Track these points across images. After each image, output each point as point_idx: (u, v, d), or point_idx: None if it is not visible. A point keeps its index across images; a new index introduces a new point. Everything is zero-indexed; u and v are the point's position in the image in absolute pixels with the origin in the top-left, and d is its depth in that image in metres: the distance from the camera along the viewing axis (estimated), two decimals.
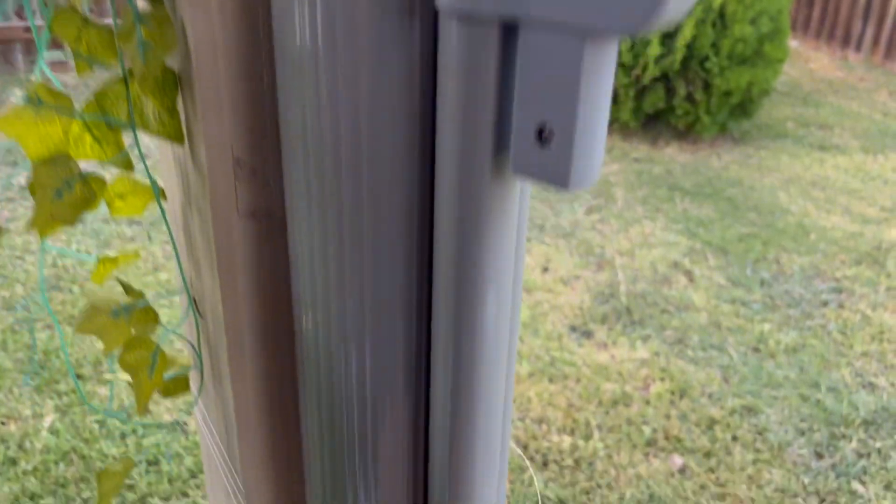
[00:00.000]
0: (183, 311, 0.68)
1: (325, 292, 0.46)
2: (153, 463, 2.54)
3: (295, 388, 0.56)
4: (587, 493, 2.50)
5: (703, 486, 2.55)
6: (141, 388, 0.51)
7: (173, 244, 0.58)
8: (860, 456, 2.72)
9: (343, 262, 0.44)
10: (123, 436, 2.64)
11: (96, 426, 2.67)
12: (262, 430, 0.57)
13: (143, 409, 0.53)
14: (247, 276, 0.50)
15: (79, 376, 2.94)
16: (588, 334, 3.37)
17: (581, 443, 2.73)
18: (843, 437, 2.80)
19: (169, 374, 0.59)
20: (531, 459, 2.65)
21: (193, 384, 0.71)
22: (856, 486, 2.57)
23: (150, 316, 0.51)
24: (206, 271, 0.56)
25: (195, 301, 0.59)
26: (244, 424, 0.57)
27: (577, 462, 2.64)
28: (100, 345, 3.14)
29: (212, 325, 0.58)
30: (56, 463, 2.50)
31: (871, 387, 3.08)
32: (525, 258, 3.63)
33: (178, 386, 0.59)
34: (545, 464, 2.62)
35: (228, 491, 0.69)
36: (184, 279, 0.59)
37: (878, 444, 2.77)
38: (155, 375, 0.52)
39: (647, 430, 2.80)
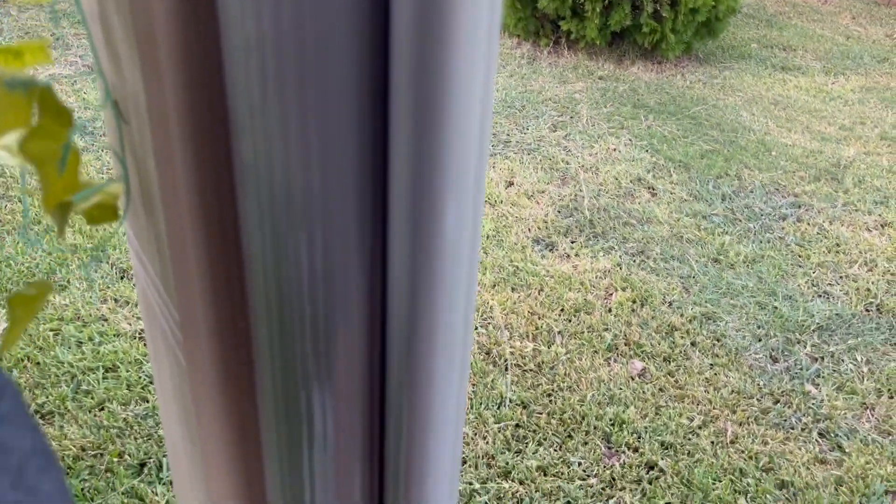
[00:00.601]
0: (105, 122, 0.61)
1: (264, 108, 0.40)
2: (112, 370, 2.49)
3: (235, 207, 0.50)
4: (549, 395, 2.53)
5: (662, 389, 2.60)
6: (49, 186, 0.45)
7: (89, 36, 0.51)
8: (814, 360, 2.79)
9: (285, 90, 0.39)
10: (80, 343, 2.57)
11: (51, 334, 2.59)
12: (198, 251, 0.51)
13: (58, 217, 0.47)
14: (173, 67, 0.44)
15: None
16: (551, 246, 3.37)
17: (543, 348, 2.75)
18: (798, 342, 2.88)
19: (94, 198, 0.53)
20: (493, 364, 2.66)
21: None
22: (809, 387, 2.65)
23: (57, 106, 0.44)
24: (127, 67, 0.49)
25: (117, 104, 0.52)
26: (177, 244, 0.51)
27: (539, 366, 2.66)
28: (53, 254, 3.01)
29: (137, 133, 0.52)
30: (10, 370, 2.43)
31: (827, 295, 3.15)
32: (489, 173, 3.56)
33: (104, 213, 0.53)
34: (507, 368, 2.64)
35: (165, 329, 0.64)
36: (103, 78, 0.52)
37: (831, 349, 2.84)
38: (67, 173, 0.45)
39: (608, 336, 2.83)
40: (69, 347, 2.54)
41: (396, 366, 0.51)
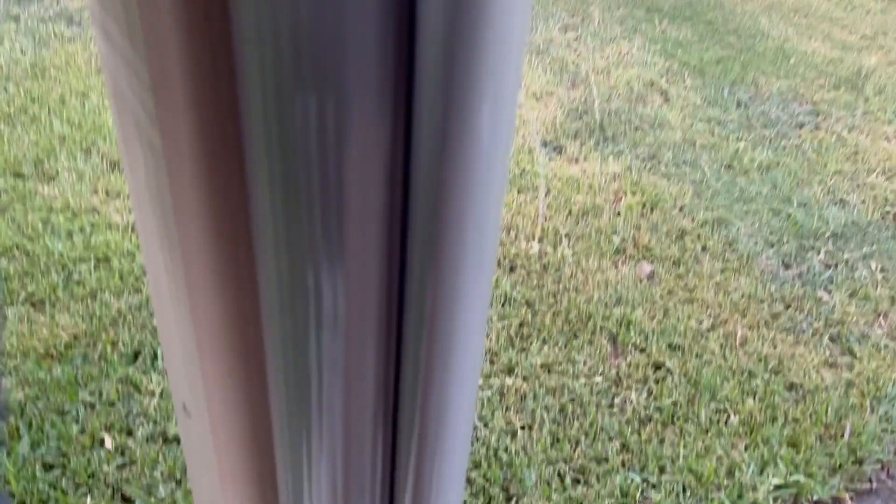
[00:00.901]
0: None
1: None
2: (104, 260, 2.40)
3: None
4: (554, 295, 2.46)
5: (671, 292, 2.53)
6: None
7: None
8: (827, 267, 2.72)
9: None
10: (70, 234, 2.48)
11: (40, 223, 2.50)
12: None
13: None
14: None
15: (18, 175, 2.74)
16: (560, 149, 3.25)
17: (549, 250, 2.66)
18: (812, 248, 2.79)
19: None
20: (497, 264, 2.58)
21: None
22: (821, 293, 2.58)
23: None
24: None
25: None
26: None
27: (544, 267, 2.58)
28: (42, 138, 2.88)
29: None
30: None
31: (843, 203, 3.05)
32: None
33: None
34: (512, 268, 2.56)
35: (136, 110, 0.53)
36: None
37: (845, 256, 2.76)
38: None
39: (616, 239, 2.74)
40: (59, 237, 2.45)
41: (419, 256, 0.42)
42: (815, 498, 1.88)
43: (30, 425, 1.84)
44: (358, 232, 0.44)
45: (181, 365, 0.69)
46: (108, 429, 1.86)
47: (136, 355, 2.09)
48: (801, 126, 3.54)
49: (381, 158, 0.41)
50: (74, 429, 1.85)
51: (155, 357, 2.09)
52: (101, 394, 1.95)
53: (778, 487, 1.87)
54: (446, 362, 0.45)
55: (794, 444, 2.00)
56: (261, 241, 0.46)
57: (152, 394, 1.97)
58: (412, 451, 0.48)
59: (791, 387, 2.19)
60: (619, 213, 2.89)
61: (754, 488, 1.86)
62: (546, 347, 2.25)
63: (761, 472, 1.91)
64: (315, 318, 0.44)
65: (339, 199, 0.41)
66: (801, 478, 1.89)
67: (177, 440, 1.84)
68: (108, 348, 2.09)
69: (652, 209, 2.93)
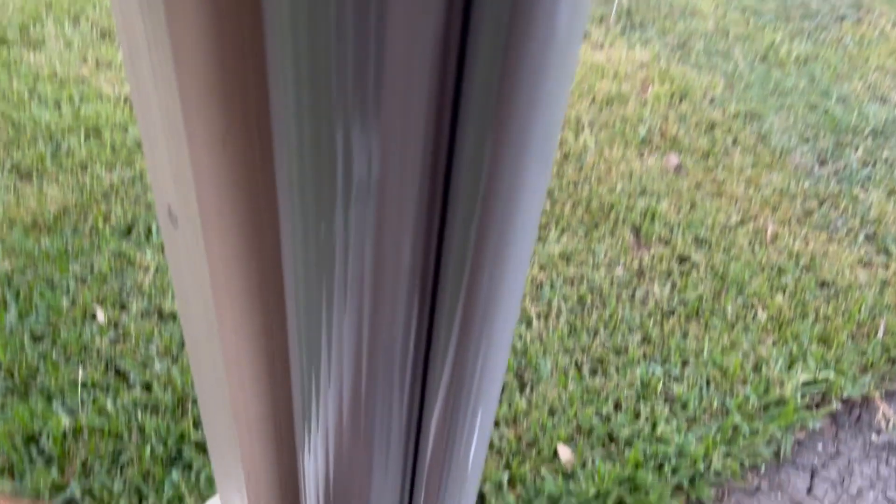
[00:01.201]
0: None
1: None
2: (94, 132, 2.25)
3: None
4: (574, 184, 2.31)
5: (698, 185, 2.38)
6: None
7: None
8: (865, 164, 2.55)
9: None
10: (58, 103, 2.32)
11: (26, 92, 2.33)
12: None
13: None
14: None
15: (2, 41, 2.55)
16: (584, 34, 3.03)
17: (570, 138, 2.50)
18: (849, 145, 2.62)
19: None
20: None
21: None
22: (857, 191, 2.43)
23: None
24: None
25: None
26: None
27: (565, 156, 2.42)
28: (28, 3, 2.68)
29: None
30: None
31: (883, 100, 2.86)
32: None
33: None
34: None
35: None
36: None
37: (885, 154, 2.60)
38: None
39: (642, 129, 2.57)
40: (46, 107, 2.29)
41: (476, 118, 0.33)
42: (844, 395, 1.78)
43: (17, 295, 1.73)
44: (400, 83, 0.33)
45: (165, 160, 0.56)
46: (101, 302, 1.75)
47: (129, 229, 1.96)
48: (842, 19, 3.30)
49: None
50: (65, 301, 1.74)
51: (150, 232, 1.96)
52: (92, 267, 1.84)
53: (806, 384, 1.78)
54: (503, 236, 0.37)
55: (824, 341, 1.89)
56: (277, 100, 0.34)
57: (147, 269, 1.85)
58: (452, 335, 0.41)
59: (823, 284, 2.07)
60: (645, 103, 2.71)
61: (782, 384, 1.77)
62: (565, 237, 2.12)
63: (789, 368, 1.81)
64: (343, 186, 0.36)
65: (378, 40, 0.30)
66: (831, 375, 1.79)
67: (173, 317, 1.74)
68: (100, 221, 1.96)
69: (681, 100, 2.74)
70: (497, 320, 0.41)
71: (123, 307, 1.75)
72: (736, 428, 1.66)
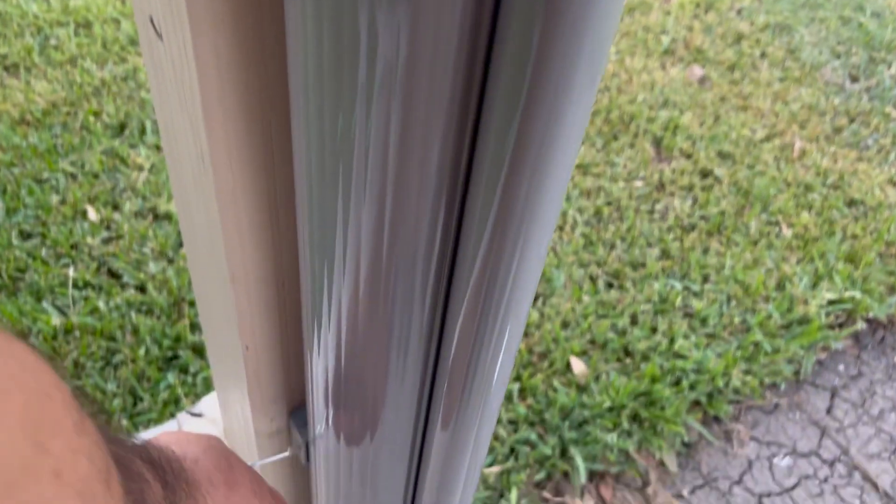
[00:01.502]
0: None
1: None
2: (84, 26, 2.12)
3: None
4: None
5: (723, 98, 2.26)
6: None
7: None
8: None
9: None
10: None
11: None
12: None
13: None
14: None
15: None
16: None
17: None
18: (883, 62, 2.48)
19: None
20: None
21: None
22: (890, 109, 2.31)
23: None
24: None
25: None
26: None
27: None
28: None
29: None
30: None
31: None
32: None
33: None
34: None
35: None
36: None
37: None
38: None
39: (665, 39, 2.43)
40: None
41: None
42: (870, 315, 1.71)
43: (4, 191, 1.64)
44: None
45: None
46: (92, 201, 1.66)
47: (122, 127, 1.85)
48: None
49: None
50: (54, 198, 1.65)
51: (143, 131, 1.85)
52: (83, 165, 1.74)
53: (831, 303, 1.70)
54: (549, 132, 0.31)
55: (851, 260, 1.81)
56: None
57: (140, 168, 1.75)
58: (483, 242, 0.36)
59: (851, 203, 1.97)
60: (669, 12, 2.55)
61: (805, 302, 1.69)
62: (583, 148, 2.01)
63: (814, 287, 1.73)
64: (366, 73, 0.31)
65: None
66: (857, 294, 1.71)
67: (168, 218, 1.65)
68: (91, 118, 1.85)
69: (706, 10, 2.59)
70: (534, 231, 0.35)
71: (116, 207, 1.66)
72: (757, 345, 1.59)
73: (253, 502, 0.46)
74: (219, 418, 0.98)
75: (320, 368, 0.51)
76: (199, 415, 0.98)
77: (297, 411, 0.66)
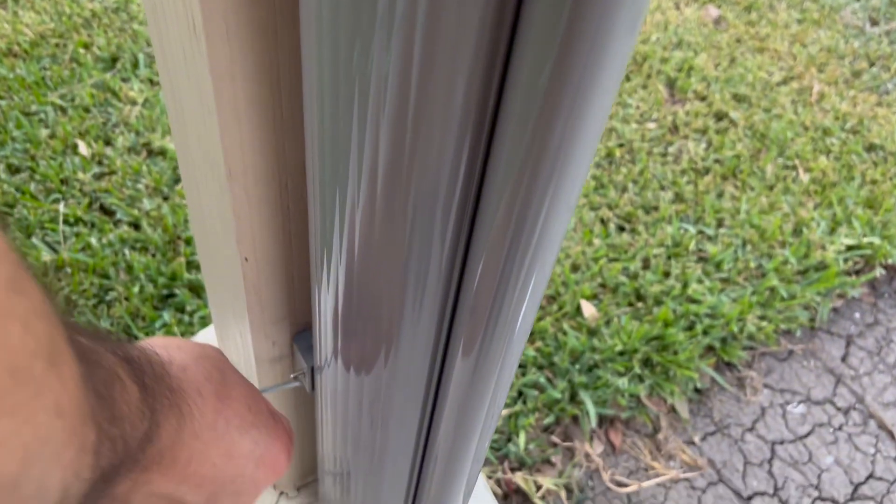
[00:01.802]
0: None
1: None
2: None
3: None
4: None
5: (739, 40, 2.17)
6: None
7: None
8: None
9: None
10: None
11: None
12: None
13: None
14: None
15: None
16: None
17: None
18: None
19: None
20: None
21: None
22: None
23: None
24: None
25: None
26: None
27: None
28: None
29: None
30: None
31: None
32: None
33: None
34: None
35: None
36: None
37: None
38: None
39: None
40: None
41: None
42: (889, 262, 1.66)
43: None
44: None
45: None
46: (83, 135, 1.59)
47: (113, 60, 1.77)
48: None
49: None
50: (43, 132, 1.57)
51: (136, 64, 1.77)
52: (73, 98, 1.66)
53: (850, 248, 1.65)
54: (588, 68, 0.27)
55: (871, 205, 1.75)
56: None
57: (134, 102, 1.68)
58: (508, 183, 0.33)
59: (871, 147, 1.91)
60: None
61: (823, 248, 1.63)
62: None
63: (832, 232, 1.67)
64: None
65: None
66: (877, 240, 1.66)
67: (162, 154, 1.58)
68: (81, 51, 1.77)
69: None
70: (568, 175, 0.32)
71: (108, 142, 1.59)
72: (772, 291, 1.54)
73: (247, 418, 0.41)
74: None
75: (329, 288, 0.45)
76: None
77: (301, 334, 0.61)
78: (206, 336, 0.96)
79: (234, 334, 0.67)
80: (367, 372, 0.49)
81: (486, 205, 0.35)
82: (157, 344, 0.37)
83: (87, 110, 1.64)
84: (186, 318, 1.30)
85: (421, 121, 0.30)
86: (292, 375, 0.60)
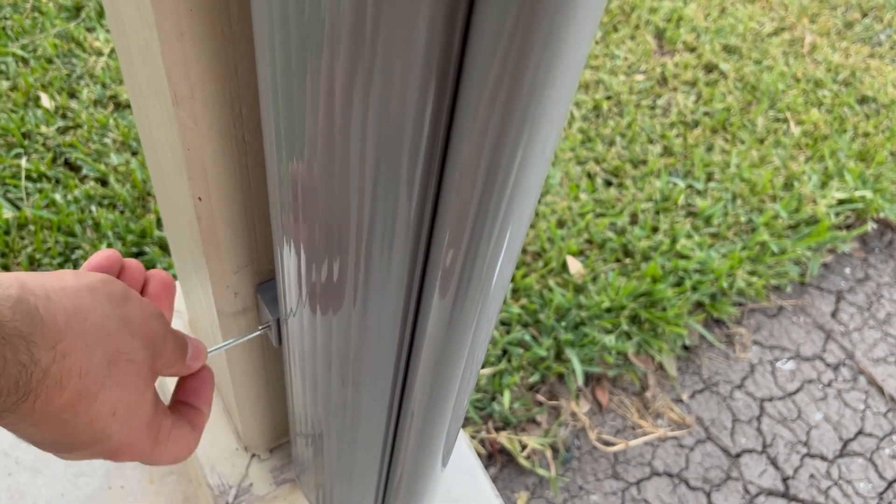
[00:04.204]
0: None
1: None
2: None
3: None
4: None
5: None
6: None
7: None
8: None
9: None
10: None
11: None
12: None
13: None
14: None
15: None
16: None
17: None
18: None
19: None
20: None
21: None
22: None
23: None
24: None
25: None
26: None
27: None
28: None
29: None
30: None
31: None
32: None
33: None
34: None
35: None
36: None
37: None
38: None
39: None
40: None
41: None
42: (880, 216, 1.62)
43: None
44: None
45: None
46: (45, 87, 1.51)
47: (77, 9, 1.69)
48: None
49: None
50: (4, 84, 1.50)
51: (102, 13, 1.69)
52: (35, 49, 1.58)
53: (841, 202, 1.61)
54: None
55: (863, 158, 1.71)
56: None
57: (99, 53, 1.60)
58: (476, 127, 0.29)
59: (863, 100, 1.86)
60: None
61: (814, 201, 1.60)
62: None
63: (823, 186, 1.64)
64: None
65: None
66: (868, 193, 1.62)
67: (129, 107, 1.51)
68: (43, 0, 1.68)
69: None
70: (542, 123, 0.29)
71: (73, 94, 1.52)
72: (763, 246, 1.50)
73: (111, 378, 0.34)
74: (183, 310, 0.89)
75: (291, 231, 0.40)
76: None
77: (265, 284, 0.56)
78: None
79: (195, 288, 0.62)
80: (336, 319, 0.44)
81: (456, 148, 0.30)
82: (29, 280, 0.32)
83: (50, 61, 1.56)
84: None
85: (382, 49, 0.25)
86: (259, 328, 0.55)
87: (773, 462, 1.30)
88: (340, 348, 0.47)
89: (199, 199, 0.46)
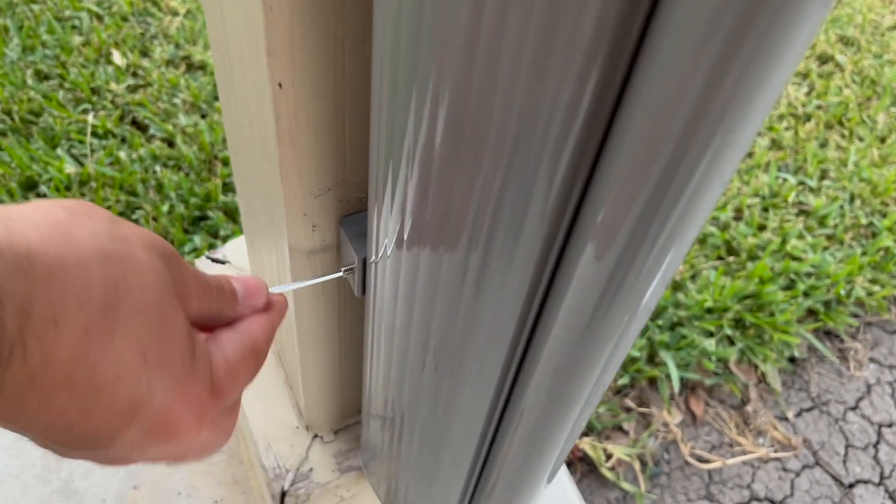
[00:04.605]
0: None
1: None
2: None
3: None
4: None
5: None
6: None
7: None
8: None
9: None
10: None
11: None
12: None
13: None
14: None
15: None
16: None
17: None
18: None
19: None
20: None
21: None
22: None
23: None
24: None
25: None
26: None
27: None
28: None
29: None
30: None
31: None
32: None
33: None
34: None
35: None
36: None
37: None
38: None
39: None
40: None
41: None
42: None
43: (20, 27, 1.44)
44: None
45: None
46: (118, 45, 1.45)
47: None
48: None
49: None
50: (76, 39, 1.44)
51: None
52: (110, 6, 1.53)
53: None
54: None
55: None
56: None
57: (175, 13, 1.53)
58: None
59: None
60: None
61: None
62: None
63: None
64: None
65: None
66: None
67: (202, 68, 1.44)
68: None
69: None
70: (736, 133, 0.22)
71: (145, 53, 1.45)
72: (886, 252, 1.34)
73: (131, 367, 0.23)
74: (246, 266, 0.79)
75: (397, 154, 0.29)
76: (222, 261, 0.78)
77: (351, 217, 0.45)
78: (236, 248, 0.81)
79: (262, 221, 0.50)
80: (443, 277, 0.33)
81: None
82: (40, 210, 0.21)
83: (124, 19, 1.50)
84: (219, 243, 1.16)
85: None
86: (342, 270, 0.44)
87: (893, 496, 1.13)
88: (444, 317, 0.35)
89: (280, 85, 0.35)
